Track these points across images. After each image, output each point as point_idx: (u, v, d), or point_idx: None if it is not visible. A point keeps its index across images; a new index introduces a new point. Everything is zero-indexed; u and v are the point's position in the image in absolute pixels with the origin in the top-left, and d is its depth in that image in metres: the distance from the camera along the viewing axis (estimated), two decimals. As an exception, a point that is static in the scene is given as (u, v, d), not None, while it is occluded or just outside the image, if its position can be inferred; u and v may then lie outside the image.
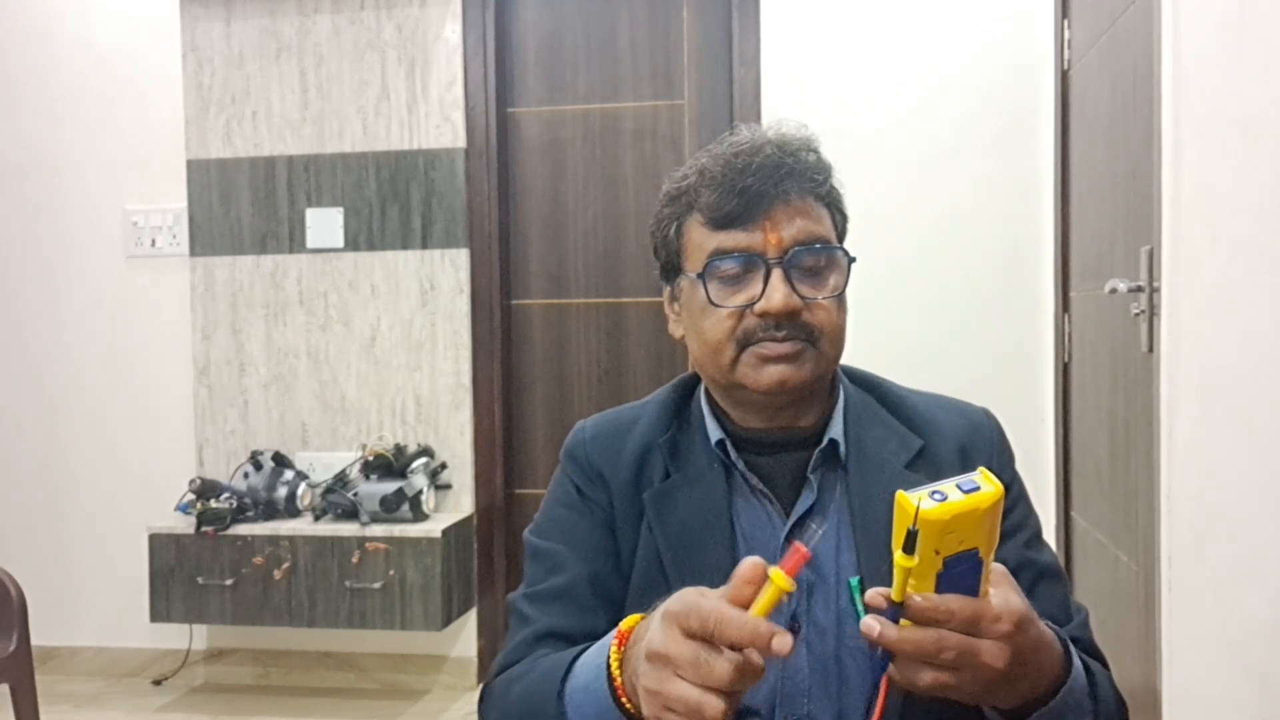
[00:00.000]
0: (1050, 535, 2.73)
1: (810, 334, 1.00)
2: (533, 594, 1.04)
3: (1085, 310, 2.57)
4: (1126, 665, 1.99)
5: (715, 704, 0.72)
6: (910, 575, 0.75)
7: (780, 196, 0.99)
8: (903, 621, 0.76)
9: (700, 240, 1.02)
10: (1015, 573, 0.99)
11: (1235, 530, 1.70)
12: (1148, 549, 1.88)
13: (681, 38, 3.21)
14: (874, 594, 0.78)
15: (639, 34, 3.24)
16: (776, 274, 0.98)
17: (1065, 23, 2.71)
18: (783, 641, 0.72)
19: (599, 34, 3.26)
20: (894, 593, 0.76)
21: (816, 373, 1.01)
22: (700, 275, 1.02)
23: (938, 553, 0.74)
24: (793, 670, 0.98)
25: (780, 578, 0.74)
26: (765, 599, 0.74)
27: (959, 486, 0.73)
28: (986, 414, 1.11)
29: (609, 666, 0.82)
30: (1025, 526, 1.05)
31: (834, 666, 0.97)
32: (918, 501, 0.72)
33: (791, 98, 2.99)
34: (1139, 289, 1.88)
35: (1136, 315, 1.91)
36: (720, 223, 1.00)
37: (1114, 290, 2.00)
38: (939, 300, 2.92)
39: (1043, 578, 1.02)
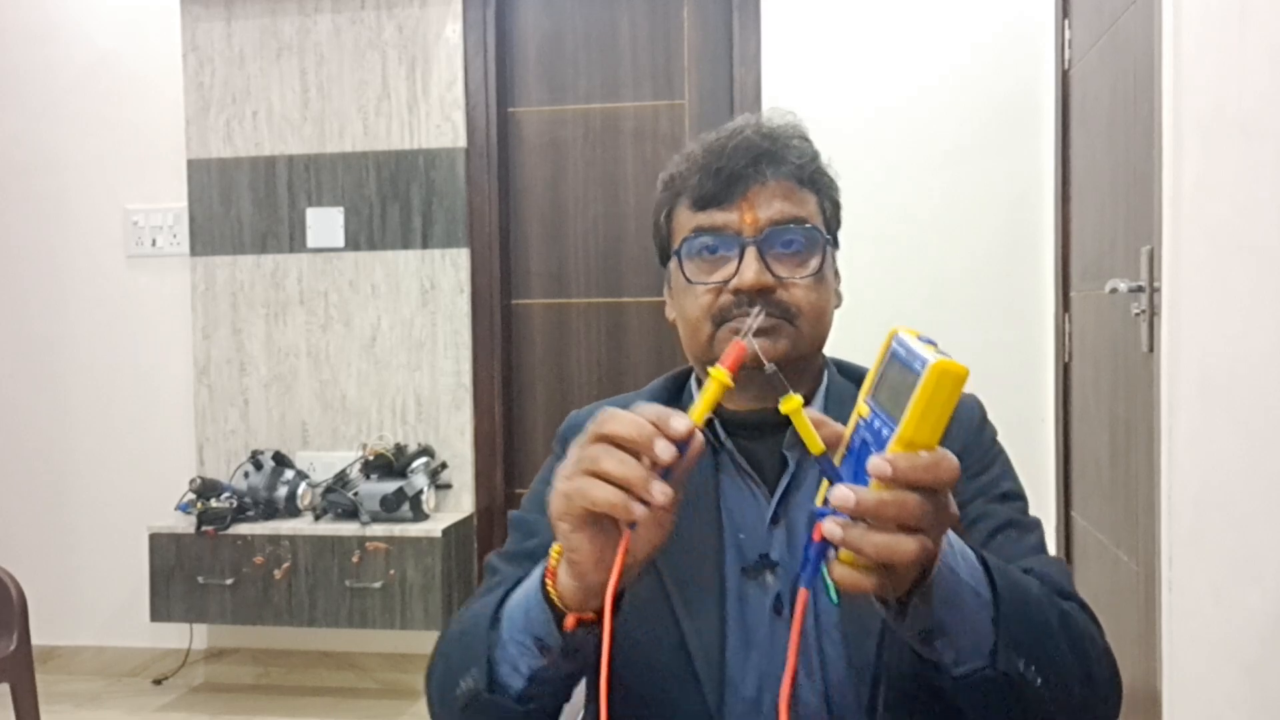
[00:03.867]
0: (1050, 535, 2.73)
1: (786, 312, 1.00)
2: (505, 554, 1.07)
3: (1085, 310, 2.57)
4: (1127, 665, 1.98)
5: (598, 488, 0.74)
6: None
7: (757, 178, 1.02)
8: (873, 483, 0.68)
9: (684, 222, 1.05)
10: (974, 524, 1.00)
11: (1235, 530, 1.70)
12: (1148, 549, 1.88)
13: (681, 38, 3.21)
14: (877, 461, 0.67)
15: (639, 34, 3.24)
16: (750, 252, 1.00)
17: (1065, 23, 2.71)
18: (681, 420, 0.72)
19: (599, 34, 3.26)
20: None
21: (794, 351, 1.01)
22: (678, 253, 1.04)
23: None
24: (777, 651, 0.98)
25: (720, 373, 0.73)
26: (705, 397, 0.74)
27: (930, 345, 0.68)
28: (970, 396, 1.10)
29: (549, 561, 0.84)
30: (997, 486, 1.05)
31: (815, 645, 0.97)
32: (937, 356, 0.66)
33: (791, 98, 2.99)
34: (1139, 289, 1.89)
35: (1136, 315, 1.91)
36: (701, 204, 1.03)
37: (1114, 290, 2.01)
38: (939, 300, 2.92)
39: (1006, 528, 1.01)
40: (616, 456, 0.74)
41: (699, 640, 0.98)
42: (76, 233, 3.42)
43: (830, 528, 0.68)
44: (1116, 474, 2.20)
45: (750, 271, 0.99)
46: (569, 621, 0.81)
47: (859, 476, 0.69)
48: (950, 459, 0.67)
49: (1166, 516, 1.75)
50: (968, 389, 1.08)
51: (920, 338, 0.69)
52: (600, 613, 0.79)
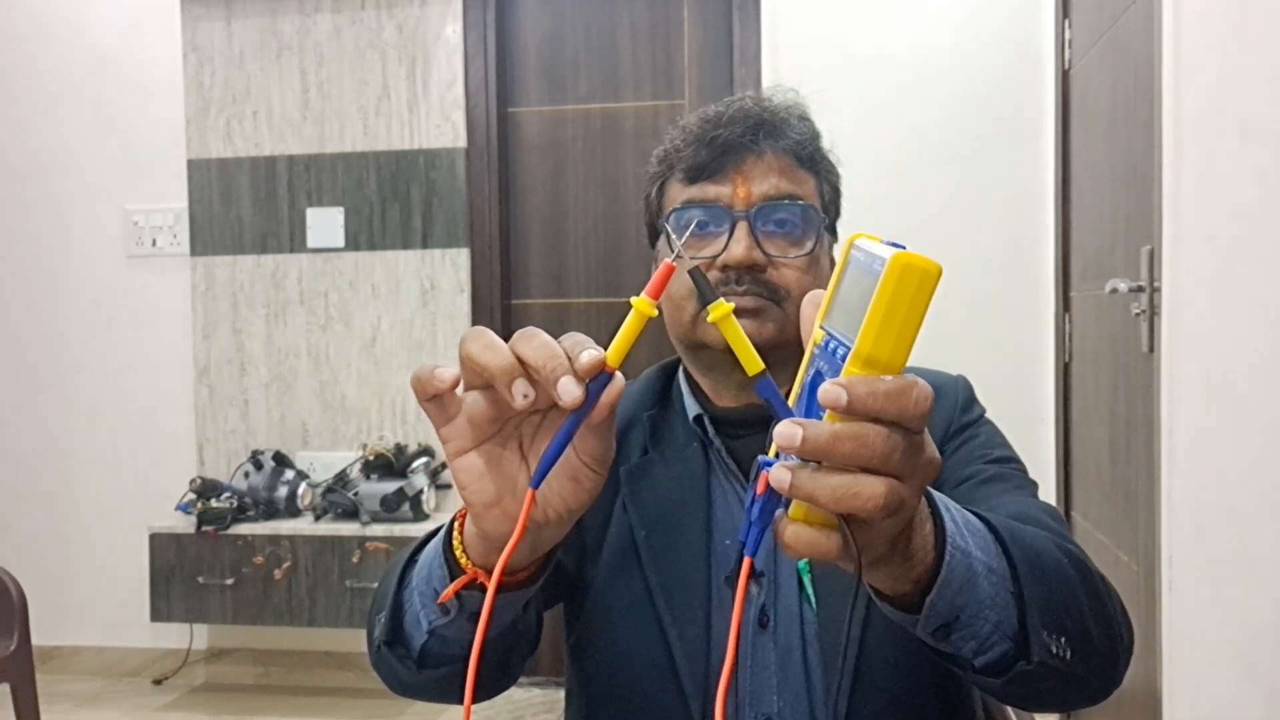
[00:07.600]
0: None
1: (775, 293, 0.96)
2: None
3: (1085, 310, 2.57)
4: (1126, 665, 1.99)
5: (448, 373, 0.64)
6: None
7: (753, 149, 0.97)
8: (828, 416, 0.52)
9: (674, 195, 1.00)
10: (961, 483, 0.94)
11: (1235, 530, 1.70)
12: (1148, 549, 1.88)
13: (681, 38, 3.21)
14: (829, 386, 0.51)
15: (639, 34, 3.24)
16: (741, 227, 0.95)
17: (1065, 23, 2.71)
18: (589, 355, 0.61)
19: (599, 34, 3.26)
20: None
21: (781, 335, 0.95)
22: (664, 225, 1.00)
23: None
24: (760, 667, 0.95)
25: (642, 303, 0.63)
26: (625, 330, 0.64)
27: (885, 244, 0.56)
28: (959, 377, 1.06)
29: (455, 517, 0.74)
30: (988, 451, 0.99)
31: (800, 659, 0.94)
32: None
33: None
34: (1139, 289, 1.89)
35: (1137, 315, 1.91)
36: (692, 175, 0.98)
37: (1114, 290, 2.01)
38: (939, 300, 2.90)
39: (997, 480, 0.95)
40: (536, 341, 0.63)
41: (684, 650, 0.93)
42: (76, 233, 3.42)
43: (778, 474, 0.52)
44: (1116, 474, 2.20)
45: (740, 247, 0.94)
46: (448, 590, 0.69)
47: (814, 414, 0.54)
48: (923, 385, 0.52)
49: (1166, 516, 1.75)
50: (968, 377, 1.06)
51: (886, 241, 0.55)
52: (512, 575, 0.68)
